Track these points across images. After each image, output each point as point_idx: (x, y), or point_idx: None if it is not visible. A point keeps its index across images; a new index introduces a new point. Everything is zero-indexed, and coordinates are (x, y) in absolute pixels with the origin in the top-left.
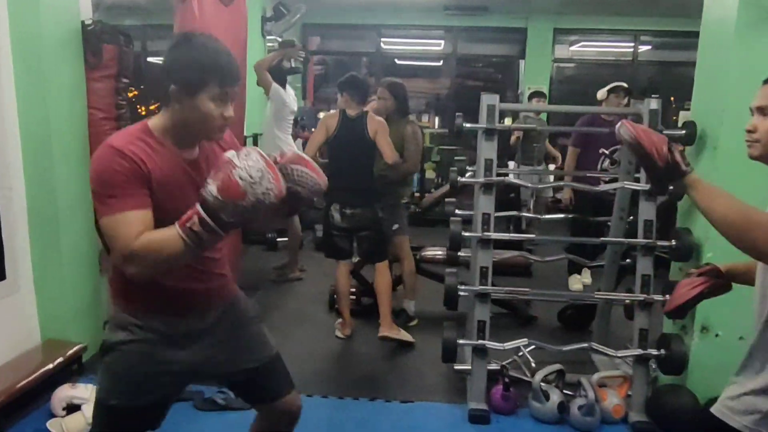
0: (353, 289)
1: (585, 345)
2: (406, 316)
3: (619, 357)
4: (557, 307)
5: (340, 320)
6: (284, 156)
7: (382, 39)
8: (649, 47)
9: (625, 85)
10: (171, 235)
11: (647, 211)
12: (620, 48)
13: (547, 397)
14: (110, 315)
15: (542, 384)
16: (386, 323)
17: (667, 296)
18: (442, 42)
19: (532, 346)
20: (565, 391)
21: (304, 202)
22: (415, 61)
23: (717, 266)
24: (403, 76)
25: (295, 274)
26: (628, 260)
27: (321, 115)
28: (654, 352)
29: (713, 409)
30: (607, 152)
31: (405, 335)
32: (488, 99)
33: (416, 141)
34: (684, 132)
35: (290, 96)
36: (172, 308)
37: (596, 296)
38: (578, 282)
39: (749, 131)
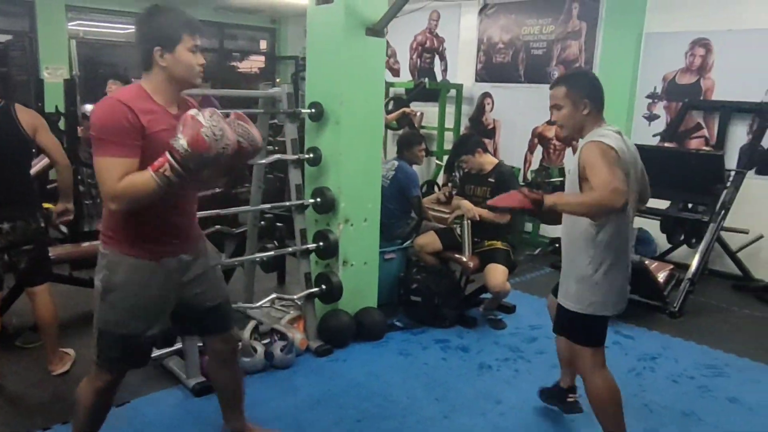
0: None
1: (273, 296)
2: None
3: (296, 299)
4: None
5: None
6: (230, 114)
7: None
8: None
9: None
10: (146, 179)
11: (296, 177)
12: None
13: (255, 350)
14: (103, 260)
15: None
16: (57, 358)
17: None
18: None
19: None
20: (262, 341)
21: (246, 156)
22: None
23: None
24: None
25: None
26: (262, 222)
27: None
28: (316, 289)
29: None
30: None
31: (70, 356)
32: None
33: None
34: (313, 111)
35: None
36: (160, 234)
37: (243, 259)
38: None
39: (553, 121)
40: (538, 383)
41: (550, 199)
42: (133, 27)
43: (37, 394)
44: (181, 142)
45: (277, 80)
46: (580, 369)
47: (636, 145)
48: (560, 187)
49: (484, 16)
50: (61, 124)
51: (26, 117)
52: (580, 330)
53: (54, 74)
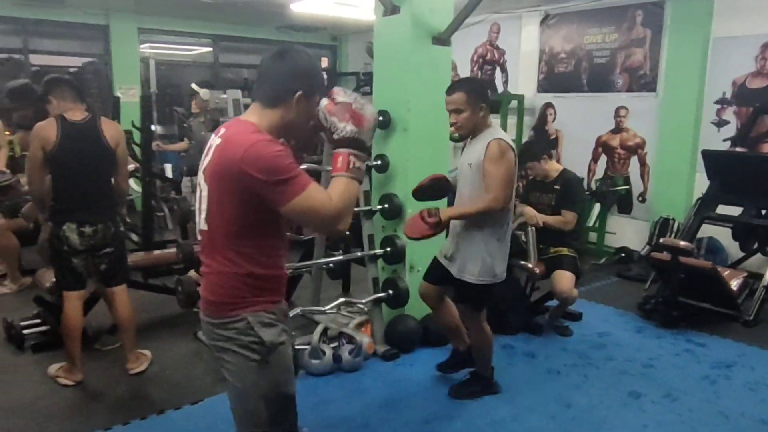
0: (38, 319)
1: (342, 300)
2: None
3: (362, 303)
4: None
5: (61, 365)
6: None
7: None
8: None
9: None
10: (346, 182)
11: (364, 184)
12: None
13: (324, 353)
14: (243, 329)
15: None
16: (134, 357)
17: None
18: None
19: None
20: (330, 345)
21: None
22: None
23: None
24: None
25: None
26: None
27: None
28: (384, 294)
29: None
30: None
31: (146, 357)
32: (232, 94)
33: None
34: (381, 119)
35: None
36: (283, 292)
37: (312, 263)
38: None
39: (453, 123)
40: (608, 389)
41: (446, 215)
42: (202, 48)
43: (116, 392)
44: (347, 128)
45: None
46: (474, 326)
47: (706, 150)
48: (626, 195)
49: (546, 27)
50: (136, 137)
51: (110, 129)
52: (478, 297)
53: (126, 94)
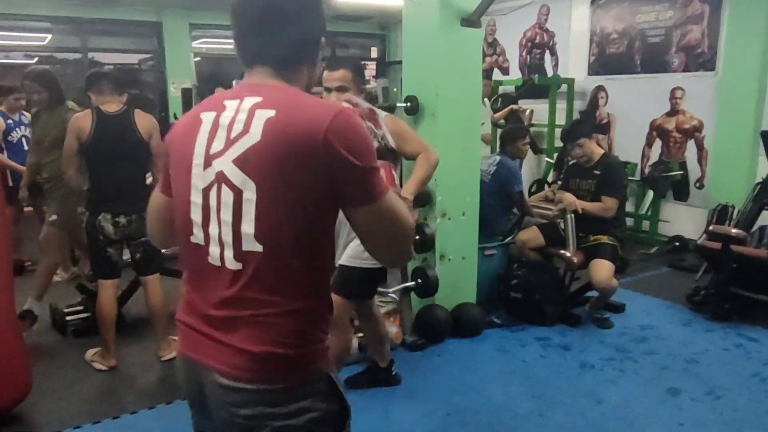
0: (81, 306)
1: None
2: (33, 317)
3: (391, 293)
4: None
5: (97, 350)
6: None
7: None
8: None
9: None
10: (398, 199)
11: None
12: None
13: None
14: (330, 376)
15: None
16: (165, 344)
17: None
18: None
19: None
20: (357, 334)
21: None
22: None
23: None
24: None
25: None
26: None
27: None
28: (412, 283)
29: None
30: None
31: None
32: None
33: None
34: (409, 104)
35: None
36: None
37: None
38: None
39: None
40: (645, 385)
41: (409, 192)
42: None
43: (146, 378)
44: (386, 135)
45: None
46: (371, 319)
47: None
48: (681, 182)
49: (596, 7)
50: None
51: (144, 122)
52: (369, 283)
53: (179, 89)
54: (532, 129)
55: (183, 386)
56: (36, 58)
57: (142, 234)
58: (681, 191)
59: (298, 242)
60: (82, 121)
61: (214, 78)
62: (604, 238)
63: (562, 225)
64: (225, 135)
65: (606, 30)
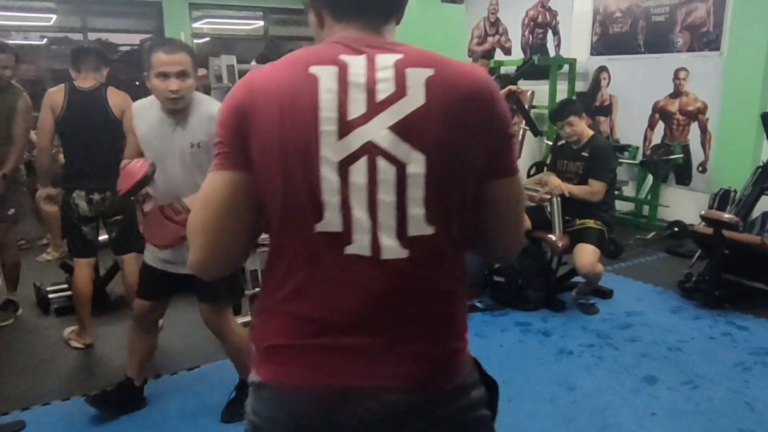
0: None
1: None
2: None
3: None
4: None
5: (73, 328)
6: None
7: None
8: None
9: None
10: None
11: None
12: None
13: None
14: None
15: None
16: None
17: None
18: None
19: None
20: None
21: None
22: None
23: None
24: None
25: None
26: None
27: None
28: None
29: None
30: None
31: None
32: (226, 59)
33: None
34: None
35: None
36: None
37: None
38: None
39: (175, 92)
40: (622, 373)
41: None
42: (253, 22)
43: (120, 356)
44: None
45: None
46: (230, 326)
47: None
48: (683, 165)
49: None
50: None
51: (116, 99)
52: (228, 286)
53: None
54: (532, 111)
55: (296, 424)
56: (45, 39)
57: (116, 211)
58: (683, 175)
59: (462, 220)
60: (55, 95)
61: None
62: (591, 222)
63: (548, 208)
64: (365, 97)
65: (609, 8)
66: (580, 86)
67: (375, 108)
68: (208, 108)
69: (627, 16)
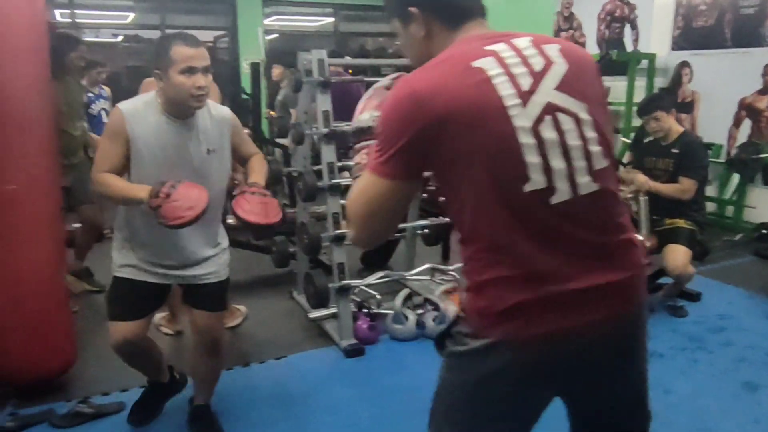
0: None
1: (428, 266)
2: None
3: (452, 271)
4: (358, 251)
5: (165, 314)
6: None
7: None
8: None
9: None
10: None
11: None
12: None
13: (407, 318)
14: None
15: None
16: (229, 312)
17: None
18: None
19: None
20: (416, 311)
21: None
22: None
23: None
24: None
25: None
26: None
27: None
28: None
29: None
30: None
31: (241, 312)
32: (317, 54)
33: None
34: None
35: None
36: None
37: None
38: None
39: (200, 88)
40: (719, 377)
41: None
42: (323, 18)
43: None
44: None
45: None
46: (222, 336)
47: None
48: None
49: None
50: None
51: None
52: (226, 294)
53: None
54: (609, 107)
55: (541, 376)
56: (121, 37)
57: None
58: None
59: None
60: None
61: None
62: (681, 222)
63: (634, 207)
64: (526, 71)
65: (693, 1)
66: (660, 82)
67: (538, 77)
68: (220, 111)
69: (713, 9)
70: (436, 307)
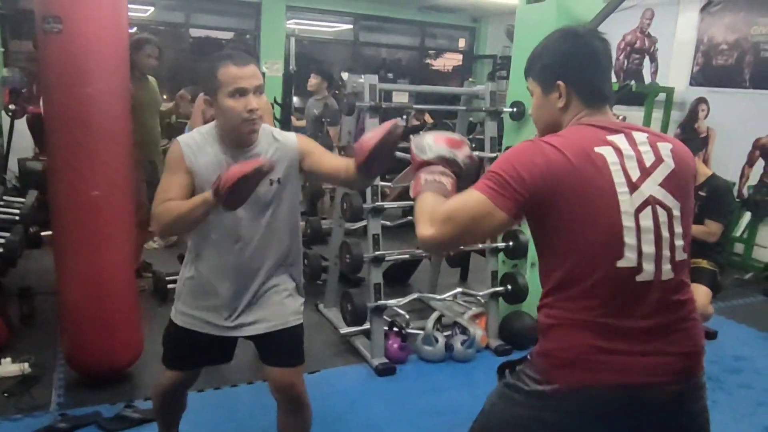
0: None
1: (458, 291)
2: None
3: (480, 295)
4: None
5: None
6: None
7: None
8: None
9: None
10: None
11: None
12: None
13: (436, 340)
14: None
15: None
16: None
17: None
18: None
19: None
20: (444, 333)
21: None
22: None
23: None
24: None
25: None
26: None
27: None
28: (501, 288)
29: None
30: None
31: None
32: (369, 79)
33: None
34: (515, 110)
35: None
36: None
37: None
38: None
39: (253, 110)
40: (740, 420)
41: None
42: (342, 26)
43: (235, 356)
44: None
45: (470, 79)
46: (302, 392)
47: None
48: None
49: (707, 14)
50: (277, 112)
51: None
52: (300, 344)
53: (271, 69)
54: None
55: (604, 422)
56: (135, 27)
57: None
58: None
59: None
60: None
61: (309, 62)
62: (704, 263)
63: None
64: (637, 165)
65: (715, 39)
66: (676, 116)
67: (646, 171)
68: (286, 137)
69: (734, 49)
70: (464, 330)
